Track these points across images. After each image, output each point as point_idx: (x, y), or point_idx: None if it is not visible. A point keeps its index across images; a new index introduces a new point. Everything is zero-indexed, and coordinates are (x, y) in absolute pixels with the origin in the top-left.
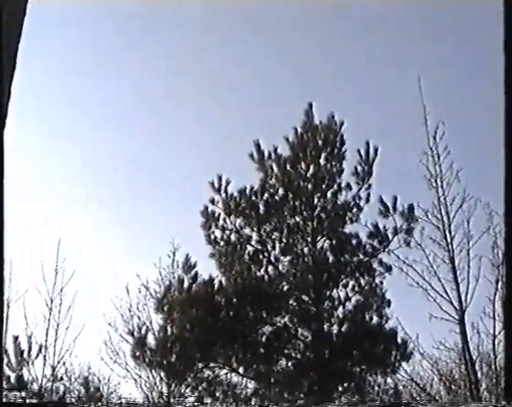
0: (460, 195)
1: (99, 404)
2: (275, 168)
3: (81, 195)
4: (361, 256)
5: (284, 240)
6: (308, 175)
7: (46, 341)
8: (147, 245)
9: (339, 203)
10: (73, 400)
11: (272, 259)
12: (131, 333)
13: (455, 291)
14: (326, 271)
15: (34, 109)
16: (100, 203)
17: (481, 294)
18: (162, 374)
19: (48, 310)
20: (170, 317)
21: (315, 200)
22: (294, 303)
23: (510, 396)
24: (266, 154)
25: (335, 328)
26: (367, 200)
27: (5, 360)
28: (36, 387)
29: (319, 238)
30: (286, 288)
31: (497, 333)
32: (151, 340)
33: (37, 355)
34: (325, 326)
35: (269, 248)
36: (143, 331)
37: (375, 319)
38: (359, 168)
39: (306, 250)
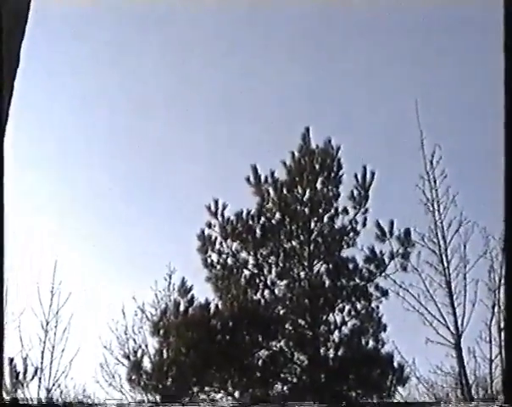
0: (457, 219)
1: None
2: (271, 192)
3: (78, 217)
4: (357, 280)
5: (280, 264)
6: (304, 200)
7: (41, 363)
8: (143, 268)
9: (336, 227)
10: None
11: (268, 283)
12: (127, 356)
13: (452, 315)
14: (323, 296)
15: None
16: (96, 226)
17: (477, 318)
18: (157, 398)
19: (44, 332)
20: (166, 340)
21: (312, 224)
22: (290, 328)
23: (510, 397)
24: (263, 178)
25: (331, 352)
26: (364, 224)
27: None
28: None
29: (315, 262)
30: (282, 312)
31: (493, 358)
32: (147, 363)
33: (33, 377)
34: (322, 351)
35: (266, 272)
36: (139, 354)
37: (371, 343)
38: (356, 192)
39: (302, 274)
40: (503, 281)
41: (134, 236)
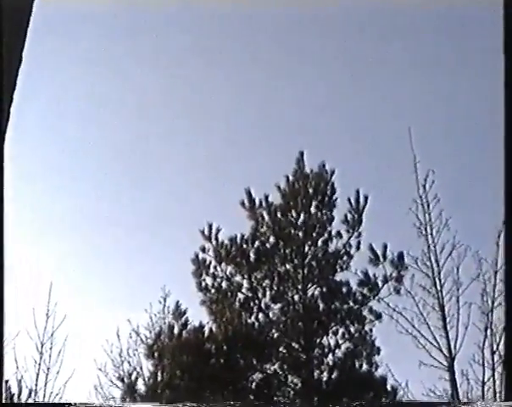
0: (450, 243)
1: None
2: (265, 216)
3: (73, 240)
4: (351, 304)
5: (274, 287)
6: (298, 223)
7: (36, 385)
8: (138, 291)
9: (329, 250)
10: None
11: (263, 306)
12: (121, 379)
13: (445, 338)
14: (316, 319)
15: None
16: (91, 249)
17: (470, 341)
18: None
19: (39, 354)
20: (161, 363)
21: (306, 248)
22: (284, 351)
23: (510, 396)
24: (257, 202)
25: (325, 375)
26: (357, 248)
27: None
28: None
29: (309, 286)
30: (276, 335)
31: (486, 380)
32: (141, 386)
33: (27, 399)
34: (315, 374)
35: (260, 295)
36: (133, 376)
37: (364, 366)
38: (350, 216)
39: (296, 298)
40: (495, 303)
41: (129, 260)
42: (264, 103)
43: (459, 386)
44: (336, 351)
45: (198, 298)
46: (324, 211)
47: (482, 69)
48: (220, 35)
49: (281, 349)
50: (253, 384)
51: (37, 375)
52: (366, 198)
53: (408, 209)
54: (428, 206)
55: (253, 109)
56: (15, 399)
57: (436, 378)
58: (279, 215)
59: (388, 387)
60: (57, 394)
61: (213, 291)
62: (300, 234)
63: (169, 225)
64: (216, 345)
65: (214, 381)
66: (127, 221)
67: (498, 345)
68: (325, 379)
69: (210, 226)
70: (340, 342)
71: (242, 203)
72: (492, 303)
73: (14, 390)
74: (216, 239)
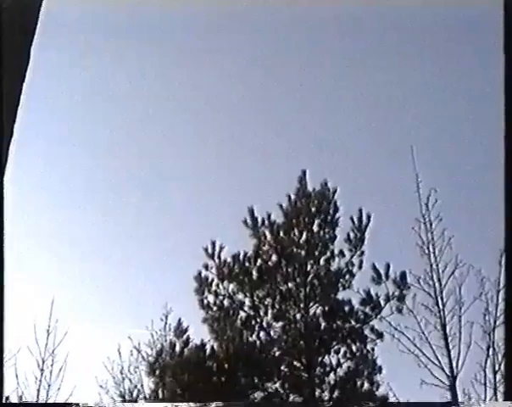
0: (452, 262)
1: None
2: (268, 234)
3: (75, 256)
4: (353, 323)
5: (276, 306)
6: (301, 242)
7: (37, 401)
8: (139, 308)
9: (332, 269)
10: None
11: (264, 324)
12: (123, 396)
13: (446, 357)
14: (318, 337)
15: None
16: (93, 266)
17: (472, 361)
18: None
19: (40, 371)
20: (162, 381)
21: (308, 267)
22: (286, 369)
23: (510, 396)
24: (260, 221)
25: (326, 394)
26: (360, 267)
27: None
28: None
29: (311, 305)
30: (277, 354)
31: (488, 400)
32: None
33: None
34: (317, 392)
35: (262, 313)
36: (134, 394)
37: (366, 385)
38: (352, 235)
39: (298, 316)
40: (498, 323)
41: (131, 276)
42: (266, 121)
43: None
44: (338, 370)
45: (200, 315)
46: (326, 230)
47: (487, 83)
48: (216, 44)
49: (282, 368)
50: (255, 403)
51: (38, 391)
52: (369, 217)
53: (410, 228)
54: (431, 225)
55: (255, 128)
56: None
57: (438, 397)
58: (281, 234)
59: None
60: None
61: (215, 309)
62: (302, 253)
63: (171, 242)
64: (218, 363)
65: (216, 399)
66: (129, 238)
67: (500, 365)
68: (326, 398)
69: (213, 244)
70: (342, 361)
71: (245, 222)
72: (495, 322)
73: None
74: (219, 257)
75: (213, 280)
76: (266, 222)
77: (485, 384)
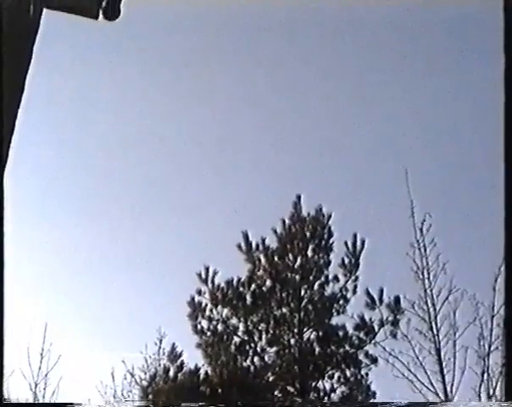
0: (446, 287)
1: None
2: (262, 259)
3: (69, 281)
4: (347, 348)
5: (271, 331)
6: (295, 267)
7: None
8: (133, 332)
9: (326, 294)
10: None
11: (258, 349)
12: None
13: (441, 382)
14: (312, 363)
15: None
16: (88, 290)
17: (466, 386)
18: None
19: (33, 394)
20: (155, 406)
21: (302, 292)
22: (280, 395)
23: (510, 396)
24: (254, 245)
25: None
26: (354, 292)
27: None
28: None
29: (305, 330)
30: (271, 379)
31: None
32: None
33: None
34: None
35: (256, 338)
36: None
37: None
38: (346, 260)
39: (292, 341)
40: (492, 348)
41: (125, 301)
42: (260, 145)
43: None
44: (332, 395)
45: (194, 340)
46: (321, 255)
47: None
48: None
49: (276, 393)
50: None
51: None
52: (363, 242)
53: (405, 254)
54: (425, 250)
55: (249, 152)
56: None
57: None
58: (276, 259)
59: None
60: None
61: (208, 334)
62: (297, 277)
63: (165, 267)
64: (211, 388)
65: None
66: (123, 262)
67: (494, 390)
68: None
69: (207, 269)
70: (336, 386)
71: (239, 247)
72: (489, 347)
73: None
74: (212, 282)
75: (206, 305)
76: (260, 247)
77: None
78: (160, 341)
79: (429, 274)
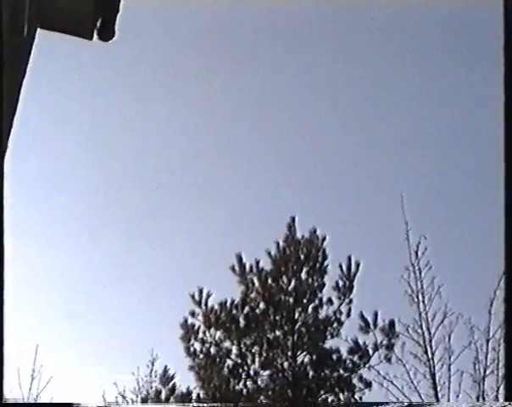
0: (441, 310)
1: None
2: (256, 281)
3: (61, 301)
4: (341, 371)
5: (264, 354)
6: (289, 290)
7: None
8: (125, 354)
9: (320, 317)
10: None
11: (251, 373)
12: None
13: None
14: (306, 386)
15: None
16: (79, 311)
17: None
18: None
19: None
20: None
21: (296, 314)
22: None
23: (511, 396)
24: (248, 268)
25: None
26: (348, 315)
27: None
28: None
29: (299, 353)
30: (264, 402)
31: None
32: None
33: None
34: None
35: (249, 361)
36: None
37: None
38: (341, 283)
39: (286, 365)
40: (487, 372)
41: (117, 322)
42: (254, 166)
43: None
44: None
45: (187, 363)
46: (315, 277)
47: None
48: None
49: None
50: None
51: None
52: (358, 265)
53: (399, 277)
54: (420, 273)
55: (242, 174)
56: None
57: None
58: (269, 281)
59: None
60: None
61: (201, 356)
62: (290, 300)
63: (158, 289)
64: None
65: None
66: (116, 283)
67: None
68: None
69: (200, 291)
70: None
71: (233, 269)
72: (484, 371)
73: None
74: (206, 304)
75: (199, 327)
76: (254, 269)
77: None
78: (152, 363)
79: (424, 297)
